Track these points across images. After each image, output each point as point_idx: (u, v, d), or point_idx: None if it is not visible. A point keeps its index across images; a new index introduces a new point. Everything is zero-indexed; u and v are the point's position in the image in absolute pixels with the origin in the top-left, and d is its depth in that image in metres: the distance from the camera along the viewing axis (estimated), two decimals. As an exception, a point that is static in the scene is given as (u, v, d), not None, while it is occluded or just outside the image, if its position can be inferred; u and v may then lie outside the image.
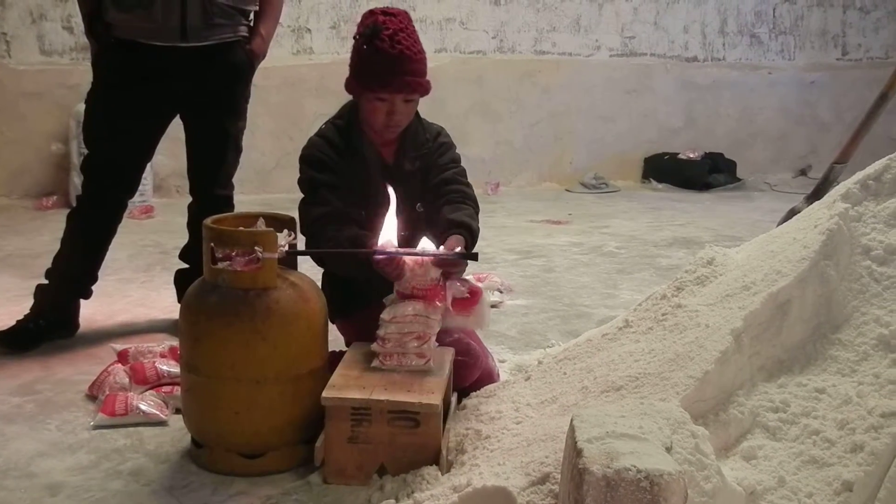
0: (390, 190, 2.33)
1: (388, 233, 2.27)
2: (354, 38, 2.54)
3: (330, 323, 2.44)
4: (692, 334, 2.12)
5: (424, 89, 2.53)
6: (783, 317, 2.08)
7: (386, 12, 2.53)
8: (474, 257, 2.32)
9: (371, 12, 2.55)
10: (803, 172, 7.59)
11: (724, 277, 2.32)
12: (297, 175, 2.58)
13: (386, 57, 2.46)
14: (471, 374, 2.55)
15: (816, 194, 3.78)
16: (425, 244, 2.29)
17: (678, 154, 7.22)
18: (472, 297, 2.34)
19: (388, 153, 2.61)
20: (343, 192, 2.51)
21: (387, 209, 2.36)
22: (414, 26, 2.56)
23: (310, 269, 2.54)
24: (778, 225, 2.89)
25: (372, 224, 2.40)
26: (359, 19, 2.57)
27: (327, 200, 2.49)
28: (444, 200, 2.55)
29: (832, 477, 1.76)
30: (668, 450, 1.60)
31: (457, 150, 2.70)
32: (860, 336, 2.01)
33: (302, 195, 2.57)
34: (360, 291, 2.54)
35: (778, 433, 1.91)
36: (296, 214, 2.48)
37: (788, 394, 1.97)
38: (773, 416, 1.94)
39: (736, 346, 2.01)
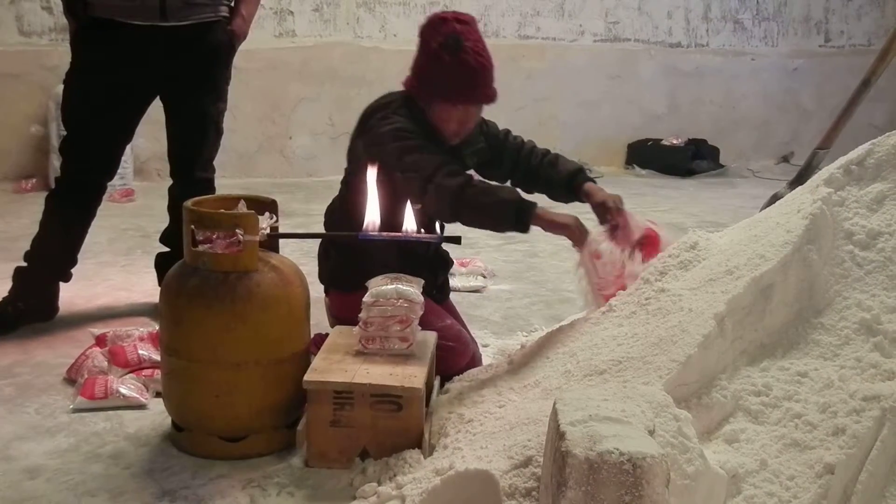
0: (370, 174, 2.29)
1: (373, 214, 2.24)
2: (433, 46, 2.46)
3: (320, 300, 2.39)
4: (675, 318, 2.11)
5: (497, 95, 2.55)
6: (766, 301, 2.09)
7: (459, 19, 2.49)
8: (457, 240, 2.30)
9: (443, 19, 2.49)
10: (786, 159, 7.62)
11: (707, 262, 2.32)
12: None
13: (470, 70, 2.47)
14: (459, 361, 2.55)
15: (799, 180, 3.78)
16: (409, 222, 2.24)
17: (661, 140, 7.23)
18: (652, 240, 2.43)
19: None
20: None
21: None
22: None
23: (292, 252, 2.51)
24: (761, 210, 2.89)
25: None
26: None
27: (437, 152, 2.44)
28: (531, 154, 2.88)
29: (814, 460, 1.77)
30: (651, 433, 1.60)
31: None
32: (842, 320, 2.02)
33: (396, 155, 2.42)
34: (366, 268, 2.44)
35: (760, 417, 1.91)
36: (277, 198, 2.43)
37: (771, 377, 1.97)
38: (756, 400, 1.94)
39: (719, 331, 2.01)
